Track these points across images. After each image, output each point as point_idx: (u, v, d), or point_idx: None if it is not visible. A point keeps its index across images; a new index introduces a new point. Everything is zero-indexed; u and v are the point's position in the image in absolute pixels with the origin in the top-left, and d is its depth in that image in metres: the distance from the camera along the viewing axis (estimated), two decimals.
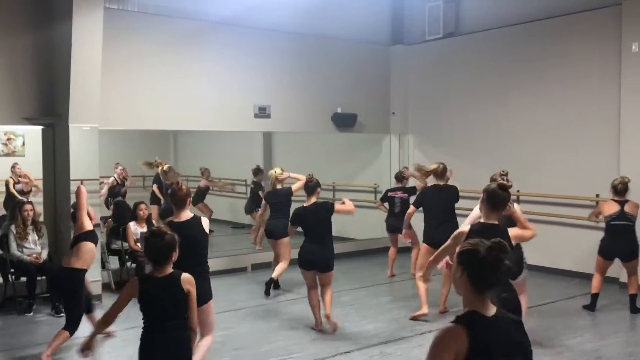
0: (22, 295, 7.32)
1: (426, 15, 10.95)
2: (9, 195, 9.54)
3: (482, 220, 4.36)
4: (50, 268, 7.37)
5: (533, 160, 9.55)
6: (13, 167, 9.94)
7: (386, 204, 9.22)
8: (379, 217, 10.31)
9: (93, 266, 7.24)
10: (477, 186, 10.38)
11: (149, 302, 3.73)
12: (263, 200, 8.57)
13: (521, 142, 9.78)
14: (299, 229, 6.64)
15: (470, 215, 5.65)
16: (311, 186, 6.48)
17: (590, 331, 6.63)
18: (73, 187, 7.73)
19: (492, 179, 6.11)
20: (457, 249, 2.51)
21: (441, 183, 7.15)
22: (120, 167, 10.74)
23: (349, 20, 10.90)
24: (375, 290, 8.56)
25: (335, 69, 10.75)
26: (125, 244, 8.36)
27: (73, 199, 7.65)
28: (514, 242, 4.26)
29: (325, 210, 6.41)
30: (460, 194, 7.40)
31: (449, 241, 4.35)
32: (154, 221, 8.36)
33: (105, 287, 8.09)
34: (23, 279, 7.30)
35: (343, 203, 6.53)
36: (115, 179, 10.46)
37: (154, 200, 10.84)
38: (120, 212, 9.14)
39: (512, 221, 4.75)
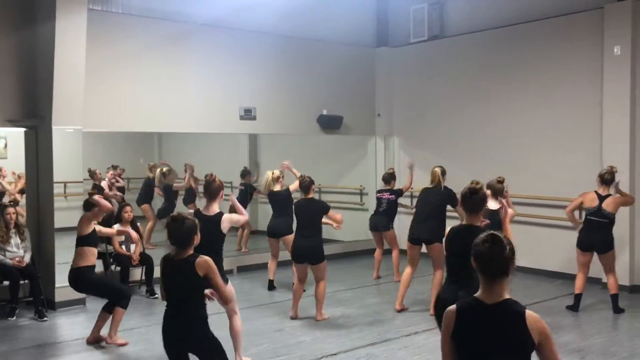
0: (5, 300, 7.22)
1: (411, 18, 11.00)
2: None
3: (462, 221, 4.51)
4: (34, 272, 7.29)
5: (517, 162, 9.63)
6: None
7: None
8: (364, 219, 10.33)
9: None
10: (461, 188, 10.48)
11: (166, 282, 3.99)
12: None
13: (505, 144, 9.85)
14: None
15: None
16: (306, 185, 7.03)
17: (574, 331, 6.69)
18: (57, 190, 7.71)
19: (489, 185, 6.42)
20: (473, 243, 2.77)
21: (431, 185, 7.52)
22: (111, 172, 10.65)
23: (334, 22, 10.91)
24: (361, 292, 8.57)
25: (320, 71, 10.76)
26: (110, 247, 8.29)
27: (57, 202, 7.66)
28: None
29: (320, 208, 6.96)
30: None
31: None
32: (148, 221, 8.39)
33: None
34: (5, 283, 7.20)
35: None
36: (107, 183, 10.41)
37: (145, 199, 10.87)
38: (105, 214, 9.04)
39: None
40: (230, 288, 5.16)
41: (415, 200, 9.24)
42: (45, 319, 7.11)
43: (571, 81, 9.00)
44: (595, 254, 7.29)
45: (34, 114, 7.78)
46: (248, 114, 9.85)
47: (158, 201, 11.30)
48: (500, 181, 6.51)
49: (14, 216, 7.33)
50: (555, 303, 7.67)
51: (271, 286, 8.49)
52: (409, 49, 11.21)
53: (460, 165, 10.44)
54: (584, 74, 8.83)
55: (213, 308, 4.50)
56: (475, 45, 10.22)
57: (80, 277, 6.28)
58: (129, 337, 6.34)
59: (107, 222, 8.53)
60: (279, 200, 8.34)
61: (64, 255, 7.41)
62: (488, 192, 6.29)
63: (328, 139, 11.43)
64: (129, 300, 6.30)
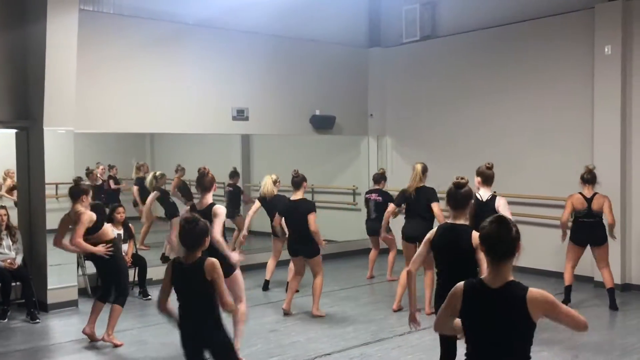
0: None
1: (403, 18, 11.01)
2: None
3: (448, 220, 4.31)
4: (25, 273, 7.25)
5: (509, 162, 9.65)
6: None
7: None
8: (358, 219, 10.36)
9: (69, 270, 7.20)
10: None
11: (177, 285, 3.98)
12: (256, 202, 8.51)
13: (498, 144, 9.88)
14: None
15: None
16: (297, 181, 7.04)
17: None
18: (48, 191, 7.67)
19: (479, 172, 6.25)
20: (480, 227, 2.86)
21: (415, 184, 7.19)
22: (101, 167, 10.63)
23: (326, 22, 10.92)
24: (355, 291, 8.58)
25: (313, 71, 10.76)
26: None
27: (48, 203, 7.62)
28: (474, 243, 4.02)
29: (307, 207, 6.96)
30: (438, 195, 7.43)
31: (421, 247, 4.27)
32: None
33: (82, 292, 7.98)
34: None
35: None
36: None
37: (141, 200, 10.93)
38: (97, 215, 8.99)
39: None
40: (241, 278, 5.44)
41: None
42: (38, 320, 7.08)
43: (562, 81, 9.04)
44: (586, 251, 7.36)
45: (26, 115, 7.74)
46: (240, 115, 9.83)
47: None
48: (490, 167, 6.20)
49: (5, 218, 7.29)
50: None
51: (266, 286, 8.49)
52: (401, 49, 11.23)
53: (453, 165, 10.46)
54: (575, 73, 8.88)
55: None
56: (467, 45, 10.25)
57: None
58: (122, 338, 6.31)
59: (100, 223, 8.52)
60: (277, 204, 8.11)
61: (55, 256, 7.38)
62: (478, 179, 6.19)
63: (321, 139, 11.43)
64: (126, 298, 6.27)
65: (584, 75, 8.74)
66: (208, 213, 5.24)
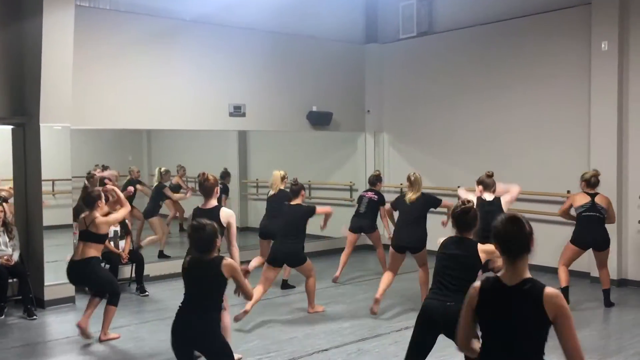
0: None
1: (400, 14, 11.02)
2: None
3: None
4: (22, 270, 7.24)
5: (506, 158, 9.68)
6: None
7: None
8: None
9: (65, 267, 7.14)
10: (452, 184, 10.54)
11: (188, 280, 4.07)
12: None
13: (495, 139, 9.90)
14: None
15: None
16: (296, 189, 7.08)
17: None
18: (45, 188, 7.65)
19: (480, 181, 6.56)
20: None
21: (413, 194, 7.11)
22: (98, 170, 10.56)
23: (323, 18, 10.91)
24: (352, 287, 8.59)
25: (310, 67, 10.75)
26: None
27: (45, 199, 7.61)
28: (483, 257, 4.21)
29: (307, 212, 6.96)
30: (435, 191, 7.47)
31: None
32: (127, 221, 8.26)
33: (79, 288, 7.97)
34: None
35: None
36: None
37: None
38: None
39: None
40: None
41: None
42: (35, 317, 7.07)
43: (559, 76, 9.05)
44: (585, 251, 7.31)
45: (22, 112, 7.72)
46: (237, 111, 9.82)
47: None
48: (490, 175, 6.58)
49: (1, 214, 7.27)
50: None
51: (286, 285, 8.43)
52: (398, 45, 11.23)
53: (450, 161, 10.50)
54: (572, 69, 8.89)
55: None
56: (464, 41, 10.25)
57: (89, 267, 6.14)
58: (118, 342, 6.31)
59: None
60: (278, 201, 8.05)
61: (52, 253, 7.38)
62: (480, 187, 6.52)
63: (318, 135, 11.43)
64: (119, 297, 6.28)
65: (580, 71, 8.75)
66: (217, 215, 5.24)
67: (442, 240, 4.35)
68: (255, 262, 8.22)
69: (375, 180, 8.99)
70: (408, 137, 11.26)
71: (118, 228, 8.24)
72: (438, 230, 6.40)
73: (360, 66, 11.53)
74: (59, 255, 7.46)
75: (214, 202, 5.46)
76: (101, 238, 6.32)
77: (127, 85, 8.67)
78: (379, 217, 8.74)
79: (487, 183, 6.52)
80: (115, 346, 6.11)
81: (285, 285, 8.42)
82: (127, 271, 8.47)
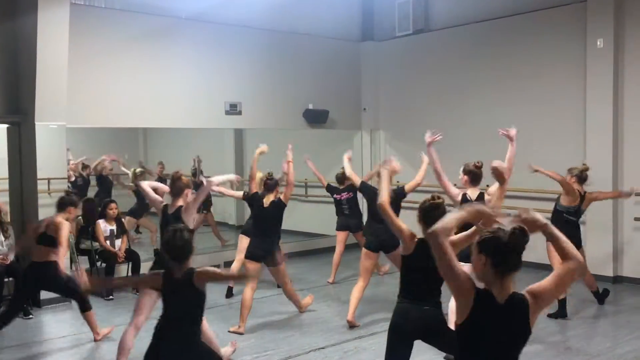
0: None
1: (396, 12, 11.02)
2: None
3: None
4: (18, 269, 7.22)
5: (502, 155, 9.65)
6: None
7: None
8: None
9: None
10: (450, 181, 10.42)
11: (165, 301, 3.82)
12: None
13: (490, 137, 9.87)
14: None
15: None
16: (271, 184, 6.63)
17: (558, 322, 6.72)
18: (40, 186, 7.64)
19: (466, 169, 5.96)
20: (477, 238, 2.66)
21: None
22: (72, 162, 10.45)
23: (319, 16, 10.89)
24: (347, 285, 8.58)
25: (306, 65, 10.74)
26: (95, 244, 8.24)
27: (40, 198, 7.59)
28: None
29: (279, 207, 6.51)
30: (431, 189, 7.39)
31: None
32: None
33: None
34: None
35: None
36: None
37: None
38: (89, 210, 8.98)
39: None
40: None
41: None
42: (31, 316, 7.06)
43: (555, 74, 9.07)
44: (583, 249, 7.24)
45: (17, 110, 7.70)
46: (234, 109, 9.81)
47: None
48: (479, 166, 6.04)
49: None
50: None
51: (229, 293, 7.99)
52: (395, 43, 11.23)
53: (446, 159, 10.46)
54: (568, 66, 8.90)
55: None
56: (460, 38, 10.25)
57: (53, 270, 5.96)
58: (116, 334, 6.30)
59: (91, 218, 8.50)
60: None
61: None
62: (465, 177, 5.91)
63: (314, 133, 11.42)
64: (88, 300, 6.11)
65: (576, 69, 8.76)
66: (178, 216, 5.04)
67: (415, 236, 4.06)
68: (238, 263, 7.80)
69: (342, 177, 8.79)
70: (405, 135, 11.26)
71: (114, 227, 8.24)
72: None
73: (356, 64, 11.52)
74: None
75: (179, 203, 5.20)
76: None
77: (122, 83, 8.64)
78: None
79: (475, 174, 5.88)
80: (113, 345, 6.09)
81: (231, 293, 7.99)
82: (123, 270, 8.45)
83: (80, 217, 8.83)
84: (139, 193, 10.54)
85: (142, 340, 6.17)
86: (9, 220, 7.69)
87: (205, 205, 10.53)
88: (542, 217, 2.74)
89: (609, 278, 8.34)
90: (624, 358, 5.59)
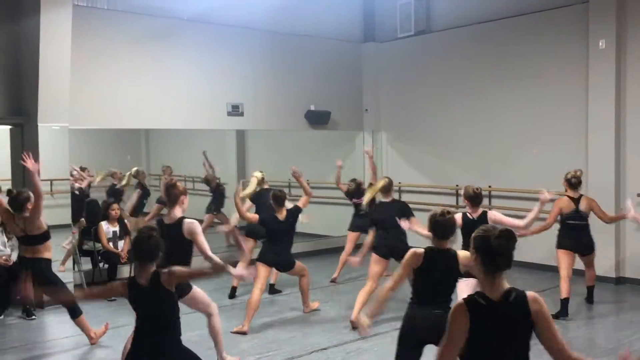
0: None
1: (397, 13, 11.02)
2: None
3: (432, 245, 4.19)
4: (20, 270, 7.22)
5: (504, 156, 9.70)
6: None
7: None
8: (352, 214, 10.34)
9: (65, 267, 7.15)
10: (450, 182, 10.54)
11: (135, 308, 3.78)
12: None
13: (492, 138, 9.91)
14: None
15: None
16: (282, 198, 6.76)
17: (560, 322, 6.67)
18: (43, 188, 7.62)
19: (466, 194, 6.09)
20: (473, 234, 2.77)
21: (387, 199, 7.04)
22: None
23: (320, 17, 10.91)
24: (350, 286, 8.59)
25: (308, 66, 10.75)
26: (98, 245, 8.25)
27: (43, 200, 7.58)
28: (462, 269, 4.07)
29: (296, 213, 6.77)
30: (432, 189, 7.45)
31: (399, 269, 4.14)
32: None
33: (78, 288, 7.96)
34: None
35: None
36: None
37: None
38: (92, 212, 9.00)
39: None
40: (201, 293, 5.10)
41: None
42: (34, 317, 7.07)
43: (557, 75, 9.06)
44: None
45: (20, 112, 7.72)
46: (236, 110, 9.82)
47: None
48: (477, 191, 6.08)
49: None
50: (542, 296, 7.69)
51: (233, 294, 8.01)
52: (396, 44, 11.23)
53: (448, 160, 10.51)
54: (570, 67, 8.90)
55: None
56: (462, 39, 10.26)
57: (48, 268, 5.99)
58: (117, 334, 6.31)
59: (94, 220, 8.52)
60: (264, 201, 7.80)
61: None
62: (467, 202, 6.09)
63: (316, 134, 11.43)
64: (77, 305, 6.01)
65: (578, 69, 8.76)
66: (178, 228, 4.86)
67: (417, 251, 4.12)
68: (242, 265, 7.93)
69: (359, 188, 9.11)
70: (406, 136, 11.27)
71: (117, 228, 8.25)
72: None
73: (358, 65, 11.53)
74: (58, 255, 7.44)
75: (178, 214, 4.99)
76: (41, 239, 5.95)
77: (125, 84, 8.66)
78: None
79: (474, 198, 6.04)
80: (114, 346, 6.10)
81: (273, 290, 8.15)
82: (126, 271, 8.46)
83: (82, 219, 8.84)
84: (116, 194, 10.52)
85: (124, 342, 6.20)
86: None
87: (217, 207, 10.56)
88: None
89: (611, 279, 8.34)
90: None
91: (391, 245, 6.64)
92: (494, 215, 5.99)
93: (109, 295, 3.69)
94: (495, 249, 2.66)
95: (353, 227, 9.14)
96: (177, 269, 3.73)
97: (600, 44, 8.38)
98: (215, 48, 9.63)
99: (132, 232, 10.10)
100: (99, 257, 8.30)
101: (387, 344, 6.03)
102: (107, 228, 8.22)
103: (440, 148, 10.64)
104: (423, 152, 10.96)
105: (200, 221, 6.35)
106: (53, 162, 7.67)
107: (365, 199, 7.52)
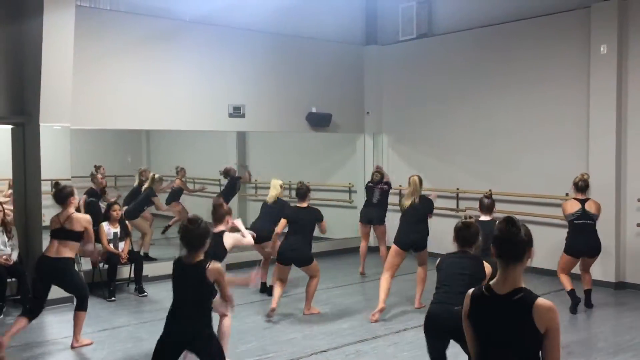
0: None
1: (399, 16, 11.05)
2: None
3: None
4: (21, 270, 7.24)
5: (505, 160, 9.71)
6: None
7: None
8: (353, 217, 10.36)
9: None
10: (451, 185, 10.54)
11: (174, 283, 4.01)
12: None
13: (493, 141, 9.92)
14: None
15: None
16: (302, 192, 7.10)
17: (560, 326, 6.71)
18: (44, 188, 7.66)
19: (480, 204, 6.54)
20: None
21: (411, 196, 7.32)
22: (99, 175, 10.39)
23: (323, 20, 10.93)
24: (350, 289, 8.60)
25: (309, 68, 10.77)
26: (99, 245, 8.25)
27: (44, 200, 7.61)
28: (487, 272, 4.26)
29: (316, 215, 7.09)
30: (435, 192, 7.50)
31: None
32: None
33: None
34: None
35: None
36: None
37: None
38: (93, 213, 9.00)
39: None
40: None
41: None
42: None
43: (558, 79, 9.07)
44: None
45: (22, 111, 7.73)
46: (237, 112, 9.83)
47: None
48: (488, 196, 6.66)
49: (0, 214, 7.27)
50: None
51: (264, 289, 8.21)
52: (398, 47, 11.25)
53: (449, 163, 10.52)
54: (571, 72, 8.91)
55: None
56: (464, 43, 10.27)
57: (65, 267, 6.02)
58: (117, 335, 6.33)
59: (95, 220, 8.52)
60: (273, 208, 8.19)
61: None
62: (479, 209, 6.58)
63: (317, 136, 11.45)
64: (87, 301, 6.11)
65: (579, 74, 8.77)
66: (219, 237, 5.22)
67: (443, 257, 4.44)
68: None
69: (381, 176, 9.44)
70: (407, 139, 11.28)
71: (118, 229, 8.26)
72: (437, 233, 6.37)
73: (359, 68, 11.54)
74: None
75: (221, 228, 5.38)
76: (77, 236, 6.01)
77: (126, 85, 8.68)
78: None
79: (486, 205, 6.51)
80: (114, 346, 6.11)
81: (264, 289, 8.16)
82: (125, 271, 8.47)
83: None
84: (135, 194, 10.54)
85: (142, 342, 6.21)
86: (12, 221, 7.73)
87: (226, 198, 10.57)
88: None
89: (611, 284, 8.34)
90: None
91: (413, 238, 7.14)
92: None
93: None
94: (501, 234, 2.71)
95: (363, 219, 9.42)
96: (222, 270, 4.00)
97: (602, 49, 8.39)
98: (217, 49, 9.64)
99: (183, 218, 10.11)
100: (99, 258, 8.29)
101: (386, 347, 6.04)
102: (108, 229, 8.22)
103: (441, 151, 10.65)
104: (424, 155, 10.97)
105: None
106: (54, 162, 7.67)
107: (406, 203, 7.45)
